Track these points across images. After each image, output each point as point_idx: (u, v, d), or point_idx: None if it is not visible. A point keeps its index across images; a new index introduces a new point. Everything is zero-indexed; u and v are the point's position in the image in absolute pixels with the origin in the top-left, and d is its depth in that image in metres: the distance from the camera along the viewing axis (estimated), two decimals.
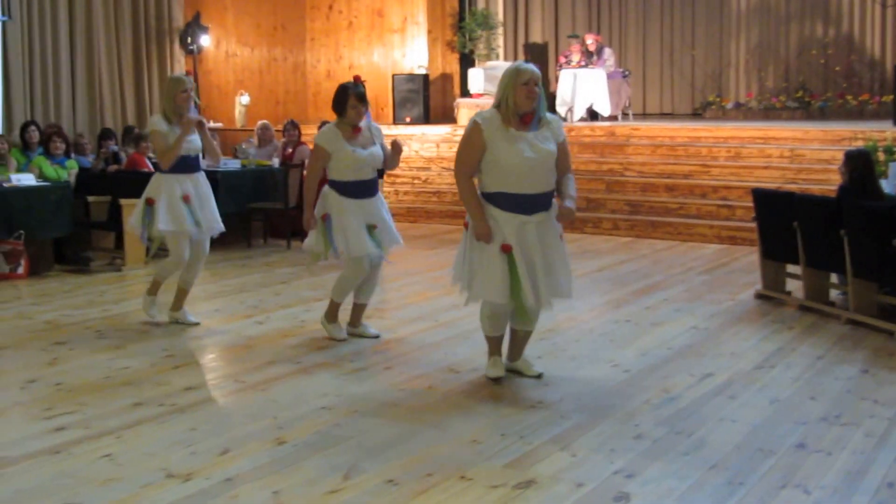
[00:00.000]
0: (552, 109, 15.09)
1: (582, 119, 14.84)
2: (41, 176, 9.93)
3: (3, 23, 11.63)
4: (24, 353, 6.29)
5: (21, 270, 8.88)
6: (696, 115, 17.25)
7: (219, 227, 6.97)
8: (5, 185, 9.05)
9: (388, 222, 6.40)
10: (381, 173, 11.62)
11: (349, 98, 6.15)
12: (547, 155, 5.19)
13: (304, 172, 11.10)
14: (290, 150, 11.45)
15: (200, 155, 6.94)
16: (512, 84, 5.14)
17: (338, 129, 6.19)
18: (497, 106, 5.21)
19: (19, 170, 10.09)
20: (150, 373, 5.79)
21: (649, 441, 4.58)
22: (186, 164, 6.80)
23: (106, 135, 11.52)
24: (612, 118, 14.95)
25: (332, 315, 6.53)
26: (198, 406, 5.14)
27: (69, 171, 10.41)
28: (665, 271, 9.25)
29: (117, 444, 4.54)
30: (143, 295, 7.11)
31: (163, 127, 6.70)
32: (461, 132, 15.40)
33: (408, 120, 14.98)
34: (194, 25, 14.05)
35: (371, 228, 6.25)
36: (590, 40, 15.42)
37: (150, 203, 6.78)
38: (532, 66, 5.22)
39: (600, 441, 4.59)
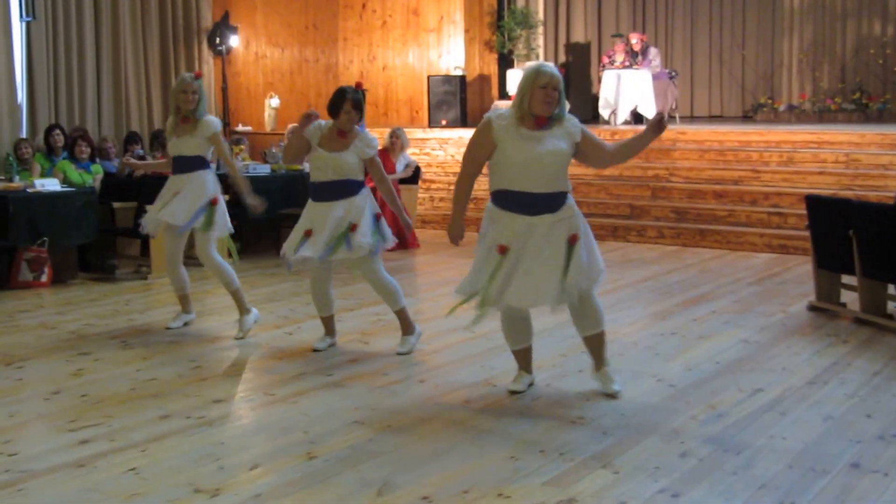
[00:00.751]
0: (595, 112, 15.20)
1: (626, 122, 14.83)
2: (65, 181, 10.08)
3: (27, 23, 11.82)
4: (47, 363, 6.39)
5: (45, 278, 9.02)
6: (747, 117, 17.16)
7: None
8: (29, 190, 9.19)
9: (326, 232, 6.37)
10: (414, 178, 11.85)
11: (345, 103, 6.28)
12: (557, 153, 5.21)
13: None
14: None
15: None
16: (529, 87, 5.15)
17: (325, 129, 6.39)
18: (516, 105, 5.23)
19: (43, 175, 10.27)
20: (177, 384, 5.86)
21: (695, 459, 4.56)
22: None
23: (132, 138, 11.66)
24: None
25: (408, 326, 6.73)
26: (226, 419, 5.20)
27: (94, 176, 10.55)
28: (713, 282, 9.21)
29: (143, 457, 4.60)
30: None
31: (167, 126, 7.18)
32: None
33: (444, 123, 15.01)
34: (223, 25, 14.19)
35: (352, 228, 6.35)
36: (634, 39, 15.40)
37: (214, 203, 7.06)
38: (553, 69, 5.21)
39: (644, 459, 4.58)
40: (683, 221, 11.75)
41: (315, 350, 6.62)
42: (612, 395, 5.53)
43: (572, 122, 5.35)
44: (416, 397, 5.58)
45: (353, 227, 6.31)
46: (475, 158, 5.35)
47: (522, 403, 5.44)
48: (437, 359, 6.47)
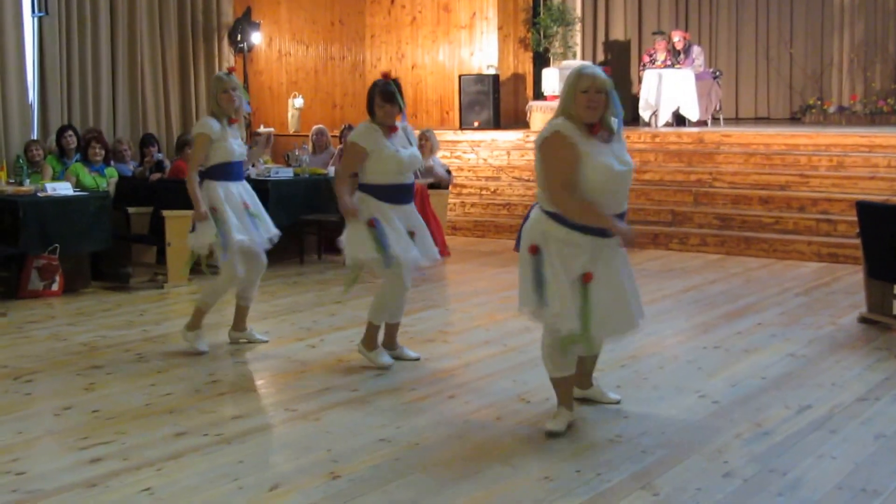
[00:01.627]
0: (635, 113, 15.12)
1: (667, 124, 14.79)
2: (78, 185, 10.12)
3: (39, 19, 11.89)
4: (58, 377, 6.42)
5: (56, 287, 9.06)
6: (795, 119, 17.07)
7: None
8: (40, 194, 9.23)
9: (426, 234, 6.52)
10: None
11: (375, 96, 6.26)
12: (631, 169, 5.12)
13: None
14: None
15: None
16: (572, 92, 4.97)
17: (377, 127, 6.29)
18: (566, 115, 5.01)
19: (55, 178, 10.32)
20: (193, 400, 5.87)
21: (739, 480, 4.54)
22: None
23: (148, 141, 11.71)
24: (701, 123, 14.85)
25: (371, 342, 6.55)
26: (245, 436, 5.19)
27: (108, 180, 10.59)
28: (759, 292, 9.15)
29: (158, 477, 4.61)
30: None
31: (212, 128, 6.81)
32: (534, 138, 15.35)
33: (476, 124, 15.00)
34: (244, 22, 14.23)
35: (410, 235, 6.36)
36: (677, 37, 15.36)
37: (215, 212, 6.88)
38: (596, 71, 5.01)
39: (685, 479, 4.56)
40: (727, 229, 11.68)
41: (387, 367, 6.52)
42: (615, 403, 5.67)
43: (622, 130, 5.22)
44: (445, 413, 5.56)
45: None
46: (568, 175, 4.92)
47: (554, 421, 5.39)
48: (467, 373, 6.44)
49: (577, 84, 4.95)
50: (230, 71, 7.21)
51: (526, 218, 5.21)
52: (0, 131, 11.36)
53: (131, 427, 5.33)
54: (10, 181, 10.01)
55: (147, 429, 5.30)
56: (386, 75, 6.45)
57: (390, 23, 16.66)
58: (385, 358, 6.52)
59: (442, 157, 12.63)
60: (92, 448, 5.00)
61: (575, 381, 5.47)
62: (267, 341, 7.22)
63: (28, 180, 9.91)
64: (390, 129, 6.30)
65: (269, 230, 7.08)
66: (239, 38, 14.20)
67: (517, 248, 5.24)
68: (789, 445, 5.01)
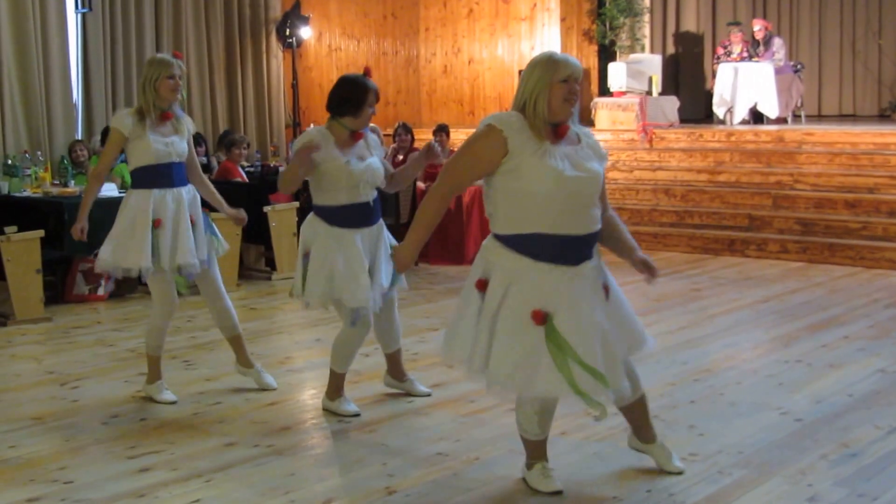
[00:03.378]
0: (709, 110, 15.06)
1: (744, 121, 14.69)
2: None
3: (83, 15, 12.08)
4: (105, 384, 6.56)
5: (102, 291, 9.24)
6: (884, 117, 16.87)
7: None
8: None
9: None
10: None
11: (367, 95, 5.60)
12: (595, 177, 4.37)
13: (420, 184, 11.33)
14: (401, 157, 11.62)
15: (184, 164, 6.24)
16: (546, 81, 4.29)
17: (329, 134, 5.64)
18: (520, 109, 4.37)
19: None
20: (243, 409, 5.96)
21: None
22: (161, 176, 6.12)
23: (195, 140, 11.84)
24: (781, 120, 14.74)
25: (333, 391, 5.94)
26: (297, 448, 5.27)
27: None
28: (845, 303, 9.07)
29: (207, 488, 4.69)
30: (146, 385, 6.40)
31: (125, 124, 6.02)
32: (600, 136, 15.18)
33: None
34: (293, 16, 14.36)
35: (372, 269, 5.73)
36: (757, 27, 15.25)
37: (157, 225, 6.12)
38: (570, 57, 4.43)
39: (766, 502, 4.54)
40: (810, 234, 11.59)
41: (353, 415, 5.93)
42: (677, 472, 4.92)
43: (593, 136, 4.60)
44: (506, 427, 5.53)
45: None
46: (465, 172, 4.43)
47: (625, 437, 5.40)
48: None
49: (553, 72, 4.29)
50: (175, 56, 6.24)
51: None
52: (44, 131, 11.57)
53: (180, 437, 5.44)
54: (55, 182, 10.19)
55: (196, 438, 5.40)
56: (368, 71, 5.81)
57: (446, 15, 16.69)
58: (350, 406, 5.90)
59: None
60: (140, 457, 5.11)
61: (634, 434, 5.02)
62: (275, 387, 6.46)
63: (73, 181, 10.10)
64: (356, 136, 5.69)
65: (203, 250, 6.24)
66: (287, 32, 14.33)
67: None
68: (879, 469, 4.95)
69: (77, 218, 6.19)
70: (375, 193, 5.77)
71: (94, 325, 8.30)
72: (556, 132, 4.33)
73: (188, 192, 6.22)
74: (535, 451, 4.74)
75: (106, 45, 12.34)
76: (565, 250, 4.33)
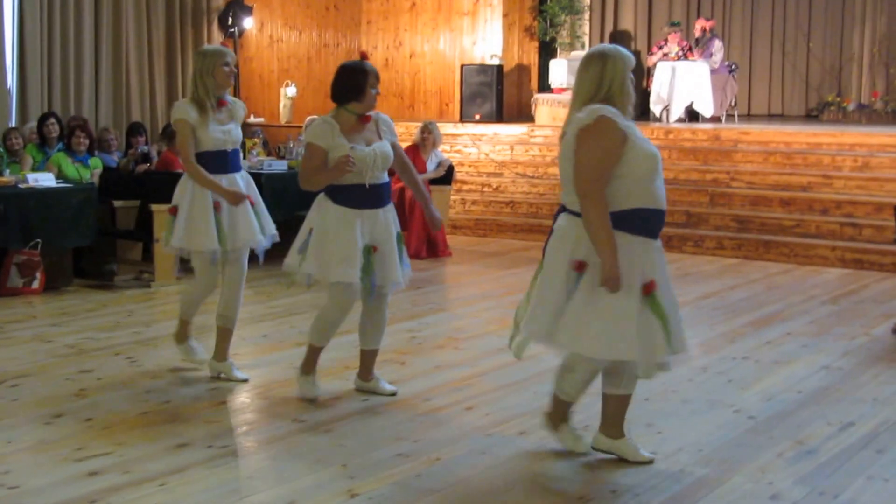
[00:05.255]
0: (645, 108, 15.02)
1: (680, 120, 14.71)
2: (60, 176, 9.97)
3: (20, 0, 11.77)
4: (46, 381, 6.27)
5: (36, 285, 8.91)
6: (811, 117, 17.00)
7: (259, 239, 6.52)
8: (21, 185, 9.07)
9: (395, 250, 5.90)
10: (447, 178, 11.72)
11: (368, 78, 5.71)
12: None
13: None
14: None
15: (239, 149, 6.49)
16: (627, 71, 4.69)
17: (335, 122, 5.75)
18: (602, 99, 4.66)
19: (35, 168, 10.15)
20: (194, 408, 5.75)
21: (789, 503, 4.47)
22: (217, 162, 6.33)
23: (135, 130, 11.59)
24: (715, 119, 14.78)
25: (305, 365, 5.99)
26: (254, 449, 5.10)
27: (92, 171, 10.45)
28: (783, 299, 9.09)
29: (162, 493, 4.50)
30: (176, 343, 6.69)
31: (191, 115, 6.22)
32: (539, 132, 15.24)
33: (477, 117, 14.92)
34: (235, 5, 14.17)
35: (370, 250, 5.77)
36: (698, 26, 15.27)
37: (172, 213, 6.41)
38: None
39: (730, 501, 4.50)
40: (746, 231, 11.62)
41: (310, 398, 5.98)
42: (647, 462, 5.00)
43: None
44: (465, 426, 5.47)
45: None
46: (608, 170, 4.59)
47: (586, 436, 5.28)
48: (483, 383, 6.35)
49: (629, 63, 4.73)
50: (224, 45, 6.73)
51: (554, 224, 4.84)
52: None
53: (129, 437, 5.21)
54: None
55: (147, 439, 5.18)
56: (364, 55, 6.12)
57: (388, 8, 16.57)
58: (312, 389, 5.93)
59: (441, 151, 12.51)
60: (89, 460, 4.88)
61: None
62: (247, 380, 6.38)
63: (7, 171, 9.74)
64: (363, 119, 5.80)
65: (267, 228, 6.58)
66: (230, 21, 14.10)
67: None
68: (836, 466, 4.95)
69: (226, 193, 6.25)
70: (385, 178, 5.85)
71: (29, 320, 7.99)
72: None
73: (243, 177, 6.45)
74: (565, 413, 5.05)
75: (43, 31, 12.04)
76: (657, 224, 4.73)
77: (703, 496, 4.53)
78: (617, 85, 4.68)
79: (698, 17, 17.05)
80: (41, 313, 8.27)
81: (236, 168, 6.39)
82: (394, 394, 6.06)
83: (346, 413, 5.67)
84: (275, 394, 6.16)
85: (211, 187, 6.22)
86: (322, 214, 5.77)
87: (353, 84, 5.73)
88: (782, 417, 5.70)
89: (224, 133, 6.27)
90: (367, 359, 6.13)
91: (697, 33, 15.19)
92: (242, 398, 6.05)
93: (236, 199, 6.25)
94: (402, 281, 5.94)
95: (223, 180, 6.26)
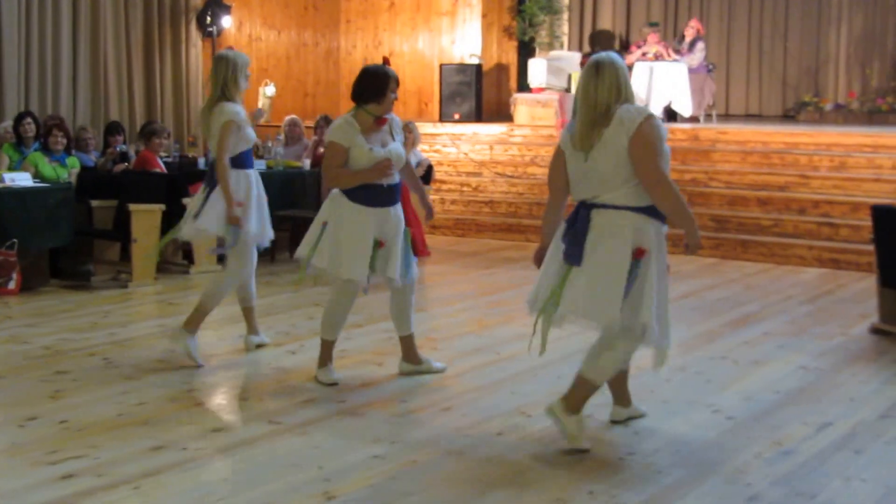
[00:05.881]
0: None
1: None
2: (37, 175, 9.88)
3: None
4: (20, 384, 6.19)
5: (12, 285, 8.81)
6: (788, 117, 17.03)
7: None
8: None
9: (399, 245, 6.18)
10: (426, 178, 11.68)
11: (390, 83, 6.03)
12: None
13: None
14: (321, 150, 11.36)
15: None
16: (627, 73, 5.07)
17: (355, 122, 6.03)
18: (626, 101, 4.97)
19: (11, 168, 10.06)
20: (170, 410, 5.68)
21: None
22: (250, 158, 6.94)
23: (113, 129, 11.50)
24: (693, 119, 14.78)
25: (321, 359, 6.28)
26: (229, 451, 5.04)
27: (70, 171, 10.36)
28: (760, 299, 9.09)
29: (136, 496, 4.44)
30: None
31: (238, 114, 6.63)
32: (519, 132, 15.22)
33: (456, 117, 14.89)
34: (214, 4, 14.09)
35: (377, 244, 6.07)
36: (691, 27, 15.25)
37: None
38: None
39: (707, 502, 4.47)
40: (723, 231, 11.63)
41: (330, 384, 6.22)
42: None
43: None
44: (442, 428, 5.43)
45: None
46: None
47: (560, 438, 5.27)
48: (460, 384, 6.31)
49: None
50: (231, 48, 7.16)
51: (581, 221, 5.00)
52: None
53: (104, 440, 5.14)
54: None
55: (121, 442, 5.11)
56: (387, 60, 6.34)
57: (367, 8, 16.54)
58: (332, 375, 6.20)
59: (420, 150, 12.47)
60: (62, 463, 4.81)
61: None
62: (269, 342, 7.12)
63: None
64: (380, 122, 6.09)
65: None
66: (208, 21, 14.02)
67: (573, 257, 4.98)
68: (814, 466, 4.93)
69: (229, 203, 6.64)
70: (398, 177, 6.19)
71: (4, 321, 7.89)
72: None
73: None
74: (586, 399, 5.15)
75: (20, 29, 11.95)
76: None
77: (680, 497, 4.50)
78: (631, 89, 5.00)
79: (676, 17, 17.09)
80: (17, 314, 8.18)
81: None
82: (444, 370, 6.47)
83: (322, 415, 5.61)
84: (252, 395, 6.11)
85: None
86: (337, 210, 6.04)
87: (375, 87, 5.99)
88: (760, 418, 5.68)
89: (253, 131, 6.81)
90: (404, 345, 6.42)
91: (690, 35, 15.16)
92: (219, 399, 6.00)
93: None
94: (397, 278, 6.11)
95: (253, 175, 6.88)
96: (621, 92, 4.93)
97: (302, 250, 6.14)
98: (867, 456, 5.07)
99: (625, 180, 4.91)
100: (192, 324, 6.68)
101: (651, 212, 4.94)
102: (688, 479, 4.72)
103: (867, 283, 9.76)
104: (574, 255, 4.97)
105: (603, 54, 5.07)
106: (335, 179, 6.06)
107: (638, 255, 4.91)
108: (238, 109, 6.61)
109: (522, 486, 4.61)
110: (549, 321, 5.05)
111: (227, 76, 6.62)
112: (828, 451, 5.14)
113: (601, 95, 4.91)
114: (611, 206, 4.95)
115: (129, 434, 5.24)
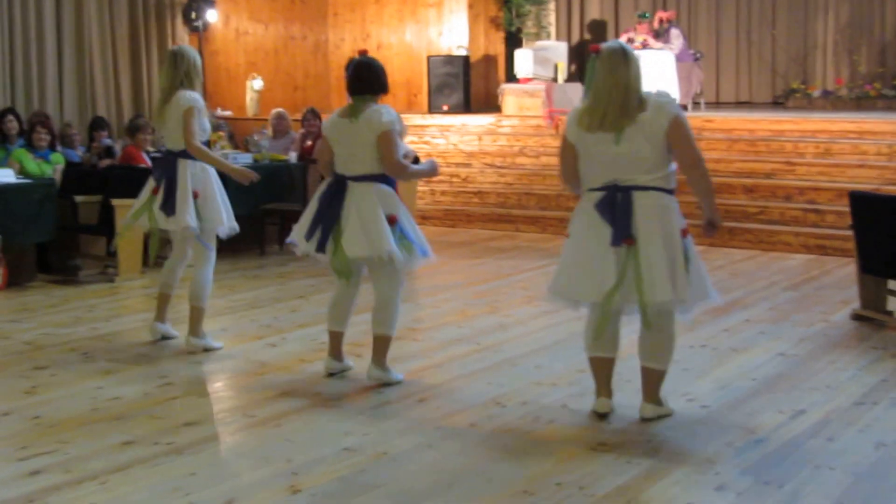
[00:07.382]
0: None
1: None
2: (22, 172, 9.89)
3: None
4: None
5: None
6: (777, 104, 17.02)
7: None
8: None
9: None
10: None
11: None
12: None
13: None
14: (309, 143, 11.35)
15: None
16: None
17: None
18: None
19: None
20: (143, 404, 5.67)
21: (733, 493, 4.43)
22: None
23: (98, 124, 11.49)
24: (681, 107, 14.71)
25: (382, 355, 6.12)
26: (199, 446, 5.02)
27: (54, 167, 10.36)
28: (744, 286, 9.06)
29: (102, 492, 4.42)
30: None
31: (198, 102, 6.71)
32: (507, 122, 15.20)
33: (445, 108, 14.88)
34: None
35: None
36: (658, 18, 15.25)
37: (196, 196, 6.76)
38: None
39: (675, 493, 4.45)
40: None
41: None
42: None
43: None
44: (415, 420, 5.41)
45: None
46: None
47: (536, 427, 5.27)
48: (438, 375, 6.29)
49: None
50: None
51: (623, 202, 5.10)
52: None
53: (74, 435, 5.13)
54: None
55: (92, 437, 5.10)
56: (364, 53, 6.44)
57: (354, 1, 16.49)
58: (333, 367, 6.21)
59: (409, 143, 12.44)
60: (31, 459, 4.79)
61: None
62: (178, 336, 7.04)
63: None
64: None
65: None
66: (193, 15, 13.99)
67: (622, 239, 5.08)
68: (785, 455, 4.90)
69: (235, 172, 7.02)
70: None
71: None
72: None
73: None
74: (660, 384, 5.51)
75: (4, 25, 11.93)
76: None
77: (648, 487, 4.48)
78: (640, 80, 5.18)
79: (665, 6, 17.06)
80: (1, 309, 8.17)
81: None
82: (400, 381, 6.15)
83: (296, 408, 5.59)
84: (228, 388, 6.12)
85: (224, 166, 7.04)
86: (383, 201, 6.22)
87: (386, 80, 6.28)
88: (734, 406, 5.66)
89: None
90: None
91: (656, 25, 15.17)
92: (194, 394, 5.97)
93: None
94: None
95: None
96: (640, 80, 5.13)
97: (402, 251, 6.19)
98: (838, 444, 5.04)
99: (661, 163, 5.13)
100: (196, 328, 6.77)
101: (674, 192, 5.25)
102: (656, 469, 4.69)
103: (852, 269, 9.70)
104: (621, 236, 5.08)
105: (616, 44, 5.22)
106: (405, 173, 6.52)
107: (684, 234, 5.22)
108: (197, 97, 6.67)
109: (490, 478, 4.59)
110: (609, 310, 5.19)
111: (189, 67, 6.69)
112: (800, 438, 5.12)
113: (632, 80, 5.07)
114: (652, 188, 5.13)
115: (100, 429, 5.23)
